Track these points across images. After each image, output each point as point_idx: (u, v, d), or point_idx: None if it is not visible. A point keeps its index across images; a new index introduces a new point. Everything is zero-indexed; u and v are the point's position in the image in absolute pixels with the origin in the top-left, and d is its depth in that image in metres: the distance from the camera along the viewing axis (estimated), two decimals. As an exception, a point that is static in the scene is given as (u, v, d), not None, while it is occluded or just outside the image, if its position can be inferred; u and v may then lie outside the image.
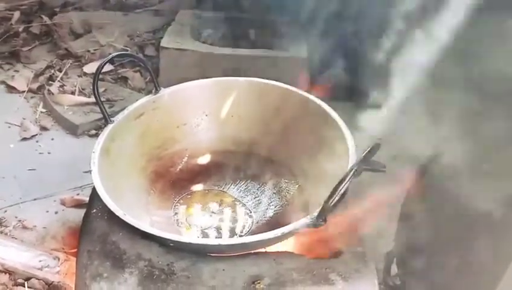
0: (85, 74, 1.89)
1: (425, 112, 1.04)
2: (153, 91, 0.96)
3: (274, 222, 0.88)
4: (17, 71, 1.92)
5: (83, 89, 1.80)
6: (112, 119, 0.89)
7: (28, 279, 1.09)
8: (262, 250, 0.76)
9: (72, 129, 1.61)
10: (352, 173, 0.67)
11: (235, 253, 0.74)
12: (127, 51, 1.98)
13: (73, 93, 1.77)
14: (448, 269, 0.84)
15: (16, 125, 1.65)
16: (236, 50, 1.73)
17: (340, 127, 0.85)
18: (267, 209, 0.92)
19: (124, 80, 1.87)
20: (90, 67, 1.90)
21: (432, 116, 1.02)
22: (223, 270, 0.71)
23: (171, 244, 0.72)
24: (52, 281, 1.08)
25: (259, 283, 0.69)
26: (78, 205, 1.28)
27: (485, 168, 0.79)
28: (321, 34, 1.55)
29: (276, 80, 0.99)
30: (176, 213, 0.91)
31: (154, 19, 2.20)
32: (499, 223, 0.77)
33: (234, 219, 0.90)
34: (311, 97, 0.94)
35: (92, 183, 0.77)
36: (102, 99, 0.86)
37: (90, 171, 0.79)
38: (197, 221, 0.89)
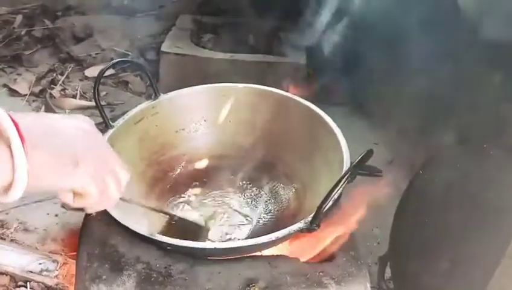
0: (86, 78, 1.92)
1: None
2: (152, 96, 0.98)
3: (270, 226, 0.90)
4: (19, 75, 1.94)
5: (84, 93, 1.82)
6: (112, 124, 0.90)
7: (28, 281, 1.11)
8: (258, 253, 0.78)
9: (73, 132, 1.63)
10: (345, 178, 0.68)
11: (231, 256, 0.75)
12: (128, 55, 2.00)
13: (74, 97, 1.79)
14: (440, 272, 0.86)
15: (17, 128, 1.67)
16: (236, 55, 1.75)
17: (335, 133, 0.87)
18: (263, 213, 0.94)
19: (125, 84, 1.89)
20: (92, 71, 1.92)
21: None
22: (219, 273, 0.72)
23: (169, 248, 0.73)
24: (50, 285, 1.10)
25: (254, 286, 0.70)
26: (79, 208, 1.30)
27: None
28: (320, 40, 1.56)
29: (275, 85, 1.01)
30: (174, 217, 0.92)
31: (155, 23, 2.22)
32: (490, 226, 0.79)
33: (231, 223, 0.91)
34: (307, 103, 0.95)
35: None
36: (103, 103, 0.87)
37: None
38: (194, 225, 0.91)
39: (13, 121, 0.43)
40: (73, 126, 0.51)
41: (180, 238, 0.71)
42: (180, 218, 0.86)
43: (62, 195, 0.52)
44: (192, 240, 0.73)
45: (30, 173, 0.44)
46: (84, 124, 0.53)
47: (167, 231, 0.83)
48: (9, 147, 0.43)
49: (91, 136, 0.53)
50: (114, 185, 0.54)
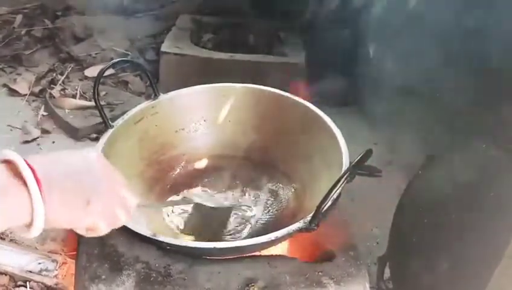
0: (86, 78, 1.91)
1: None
2: (152, 96, 0.98)
3: (270, 226, 0.90)
4: (19, 74, 1.94)
5: (84, 93, 1.81)
6: (112, 124, 0.90)
7: (28, 281, 1.11)
8: (257, 253, 0.78)
9: (73, 133, 1.63)
10: (344, 178, 0.68)
11: (230, 256, 0.75)
12: (128, 55, 2.00)
13: (74, 96, 1.79)
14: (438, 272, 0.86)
15: (17, 128, 1.67)
16: (235, 55, 1.75)
17: (334, 133, 0.87)
18: (263, 212, 0.94)
19: (125, 84, 1.89)
20: (92, 71, 1.92)
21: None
22: (219, 273, 0.73)
23: (168, 248, 0.74)
24: (50, 285, 1.10)
25: (253, 285, 0.70)
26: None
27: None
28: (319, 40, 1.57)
29: (274, 85, 1.01)
30: (173, 216, 0.92)
31: (155, 23, 2.22)
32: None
33: (231, 223, 0.91)
34: (307, 103, 0.95)
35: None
36: (103, 103, 0.87)
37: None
38: (194, 224, 0.91)
39: (29, 165, 0.48)
40: (82, 162, 0.55)
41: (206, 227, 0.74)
42: (198, 204, 0.88)
43: (77, 229, 0.57)
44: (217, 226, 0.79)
45: (46, 216, 0.48)
46: (91, 155, 0.57)
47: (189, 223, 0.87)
48: (28, 191, 0.47)
49: (98, 168, 0.56)
50: (123, 214, 0.59)
